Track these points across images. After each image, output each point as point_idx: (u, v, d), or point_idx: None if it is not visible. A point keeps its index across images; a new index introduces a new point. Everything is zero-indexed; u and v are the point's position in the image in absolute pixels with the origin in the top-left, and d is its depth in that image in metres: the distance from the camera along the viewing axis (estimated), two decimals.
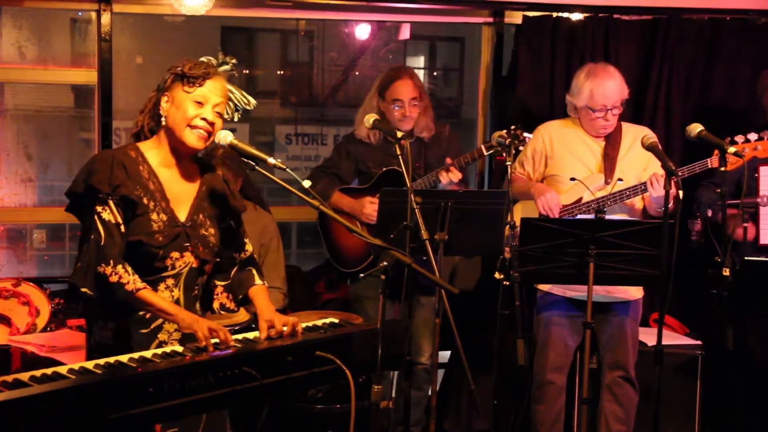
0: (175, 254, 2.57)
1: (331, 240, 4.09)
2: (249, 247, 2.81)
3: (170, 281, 2.58)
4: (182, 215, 2.60)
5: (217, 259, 2.71)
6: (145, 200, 2.53)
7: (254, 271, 2.79)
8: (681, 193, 3.26)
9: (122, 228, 2.50)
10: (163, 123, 2.58)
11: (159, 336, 2.58)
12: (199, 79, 2.53)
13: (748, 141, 3.49)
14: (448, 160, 3.86)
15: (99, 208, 2.49)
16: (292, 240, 8.85)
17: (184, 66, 2.56)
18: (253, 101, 2.71)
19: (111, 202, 2.49)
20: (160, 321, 2.57)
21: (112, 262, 2.45)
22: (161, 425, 2.50)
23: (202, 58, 2.63)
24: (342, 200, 4.08)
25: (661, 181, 3.44)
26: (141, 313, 2.54)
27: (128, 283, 2.44)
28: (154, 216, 2.53)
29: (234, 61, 2.68)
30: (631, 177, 3.75)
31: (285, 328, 2.55)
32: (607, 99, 3.72)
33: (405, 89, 3.95)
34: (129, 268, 2.47)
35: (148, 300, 2.47)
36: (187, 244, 2.58)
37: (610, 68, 3.79)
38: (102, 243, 2.46)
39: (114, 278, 2.44)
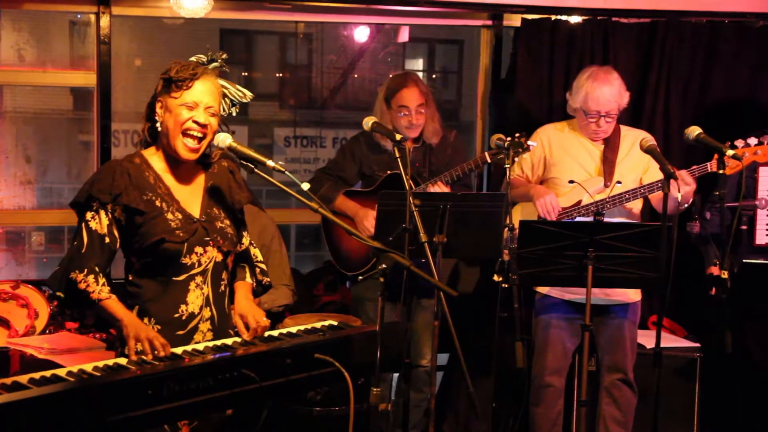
0: (199, 249, 2.58)
1: (334, 242, 4.09)
2: (245, 241, 2.81)
3: (199, 279, 2.59)
4: (195, 212, 2.61)
5: (238, 249, 2.73)
6: (157, 203, 2.54)
7: (246, 269, 2.81)
8: (680, 195, 3.27)
9: (107, 239, 2.52)
10: (159, 129, 2.58)
11: (195, 337, 2.60)
12: (186, 82, 2.52)
13: (747, 145, 3.51)
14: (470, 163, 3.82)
15: (88, 216, 2.52)
16: (290, 242, 8.85)
17: (171, 70, 2.54)
18: (249, 94, 2.70)
19: (103, 213, 2.51)
20: (195, 322, 2.59)
21: (86, 270, 2.49)
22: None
23: (192, 58, 2.62)
24: (346, 204, 4.06)
25: (685, 177, 3.44)
26: (176, 315, 2.55)
27: (94, 292, 2.48)
28: (169, 215, 2.54)
29: (224, 56, 2.66)
30: (629, 180, 3.76)
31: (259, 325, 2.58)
32: (601, 105, 3.72)
33: (411, 96, 3.94)
34: (101, 279, 2.50)
35: (110, 309, 2.49)
36: (207, 238, 2.59)
37: (612, 75, 3.77)
38: (82, 251, 2.50)
39: (82, 285, 2.48)
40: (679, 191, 3.24)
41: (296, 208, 5.49)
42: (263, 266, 2.86)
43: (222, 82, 2.65)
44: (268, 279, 2.87)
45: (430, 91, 4.09)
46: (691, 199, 3.59)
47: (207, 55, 2.63)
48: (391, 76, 4.15)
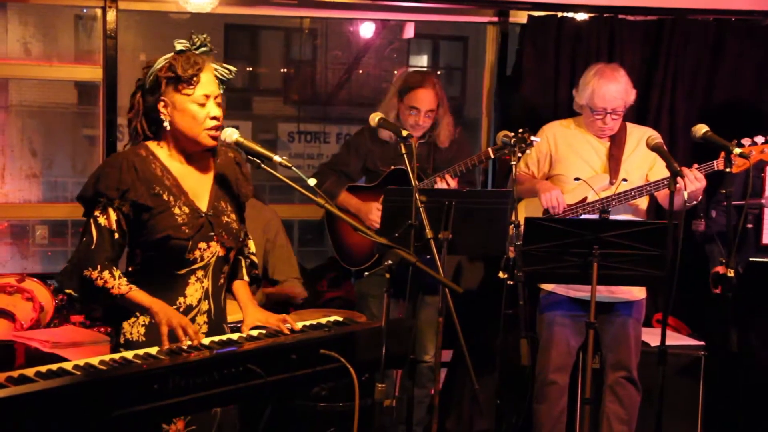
0: (203, 245, 2.56)
1: (338, 237, 4.09)
2: (241, 235, 2.80)
3: (200, 273, 2.58)
4: (203, 205, 2.60)
5: (240, 243, 2.72)
6: (164, 196, 2.52)
7: (242, 262, 2.80)
8: (686, 194, 3.26)
9: (116, 235, 2.50)
10: (167, 127, 2.53)
11: None
12: (194, 77, 2.48)
13: (754, 144, 3.50)
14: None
15: (97, 212, 2.50)
16: (294, 238, 8.85)
17: (175, 68, 2.47)
18: (233, 68, 2.63)
19: (111, 209, 2.48)
20: (192, 314, 2.58)
21: (99, 267, 2.46)
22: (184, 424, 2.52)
23: (177, 45, 2.50)
24: (349, 200, 4.06)
25: (690, 174, 3.44)
26: (173, 307, 2.53)
27: (113, 287, 2.46)
28: (176, 210, 2.52)
29: (208, 38, 2.55)
30: (635, 177, 3.75)
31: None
32: (607, 102, 3.71)
33: (425, 99, 3.93)
34: (116, 273, 2.48)
35: (136, 300, 2.48)
36: (212, 233, 2.58)
37: (618, 72, 3.76)
38: (93, 247, 2.48)
39: (99, 282, 2.46)
40: (685, 189, 3.24)
41: (299, 203, 5.49)
42: (254, 258, 2.85)
43: (213, 65, 2.57)
44: (257, 271, 2.86)
45: (445, 95, 4.06)
46: (700, 197, 3.59)
47: (189, 40, 2.52)
48: (411, 70, 4.12)
